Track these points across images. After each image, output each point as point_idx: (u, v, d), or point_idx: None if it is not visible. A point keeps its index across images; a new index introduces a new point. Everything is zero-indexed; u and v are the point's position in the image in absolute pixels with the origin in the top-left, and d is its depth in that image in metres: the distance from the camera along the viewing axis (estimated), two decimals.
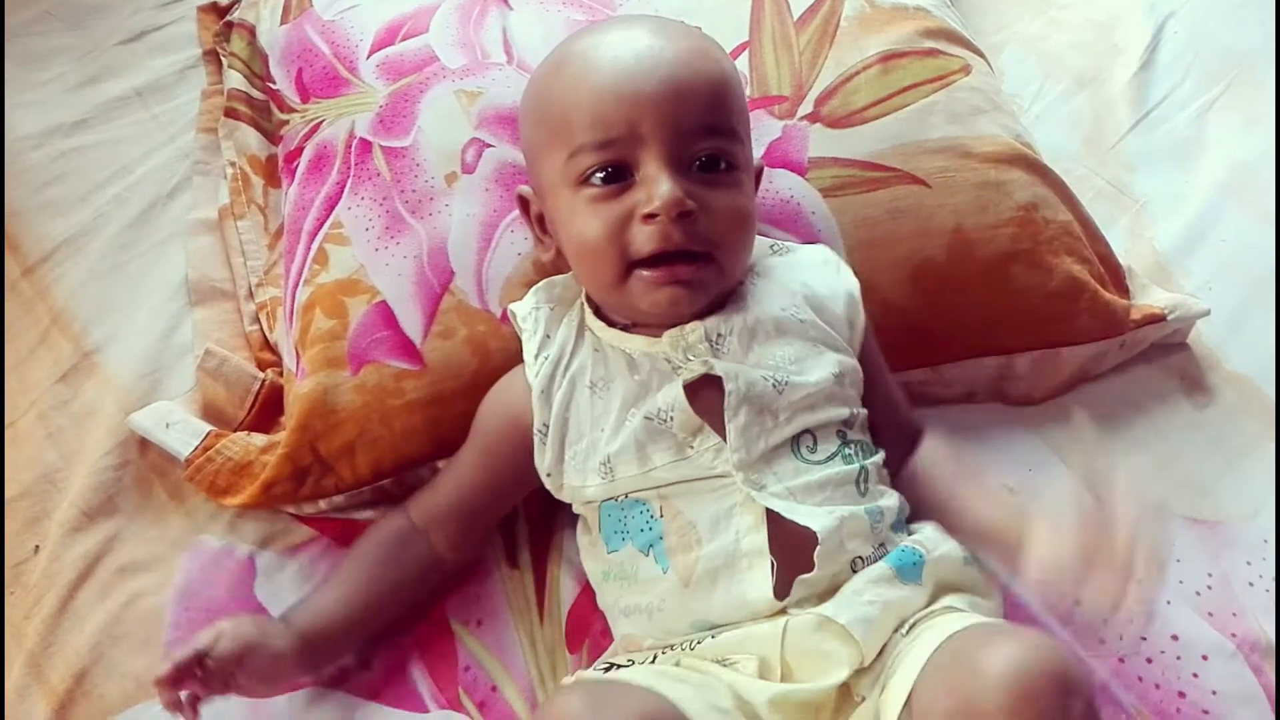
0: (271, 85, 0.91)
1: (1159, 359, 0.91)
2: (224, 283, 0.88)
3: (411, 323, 0.77)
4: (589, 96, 0.67)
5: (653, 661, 0.67)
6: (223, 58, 0.97)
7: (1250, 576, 0.83)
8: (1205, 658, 0.79)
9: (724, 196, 0.67)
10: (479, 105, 0.83)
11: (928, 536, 0.69)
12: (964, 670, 0.58)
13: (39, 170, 0.93)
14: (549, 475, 0.71)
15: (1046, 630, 0.72)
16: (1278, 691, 0.74)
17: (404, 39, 0.87)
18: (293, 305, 0.80)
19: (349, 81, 0.86)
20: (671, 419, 0.67)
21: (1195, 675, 0.79)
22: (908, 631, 0.64)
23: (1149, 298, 0.90)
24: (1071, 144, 1.02)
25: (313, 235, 0.81)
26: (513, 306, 0.75)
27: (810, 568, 0.65)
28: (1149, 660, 0.79)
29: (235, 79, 0.94)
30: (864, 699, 0.63)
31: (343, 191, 0.81)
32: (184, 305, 0.87)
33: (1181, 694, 0.78)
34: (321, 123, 0.85)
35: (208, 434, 0.79)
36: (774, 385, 0.68)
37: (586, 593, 0.77)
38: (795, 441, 0.69)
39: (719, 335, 0.69)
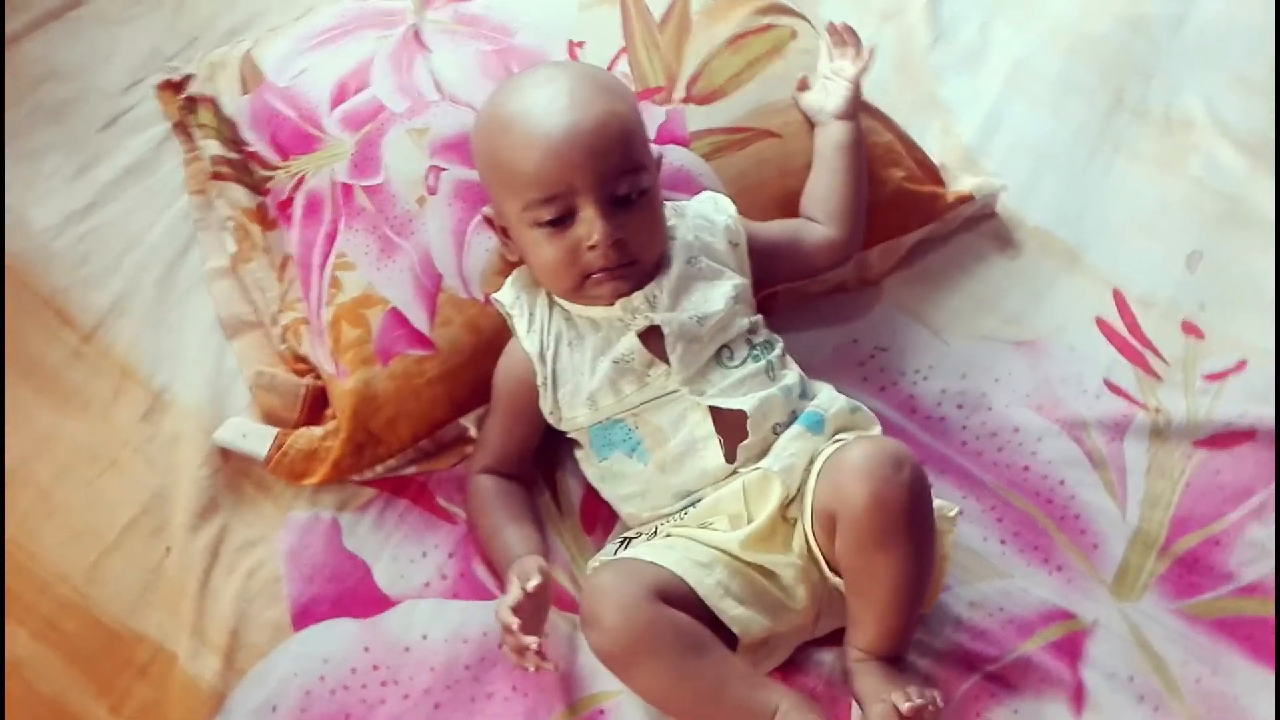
0: (247, 148, 1.10)
1: (975, 228, 1.19)
2: (249, 315, 1.08)
3: (419, 319, 1.00)
4: (533, 162, 0.90)
5: (654, 534, 0.93)
6: (192, 130, 1.15)
7: (1063, 375, 1.12)
8: (1040, 439, 1.08)
9: (640, 218, 0.92)
10: (428, 139, 1.04)
11: (823, 399, 0.97)
12: (834, 468, 0.88)
13: (68, 254, 1.10)
14: (551, 413, 0.97)
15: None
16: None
17: (354, 94, 1.07)
18: (320, 324, 1.02)
19: (319, 138, 1.06)
20: (633, 358, 0.93)
21: (1034, 453, 1.08)
22: (812, 463, 0.92)
23: (959, 185, 1.17)
24: (886, 70, 1.27)
25: (322, 267, 1.03)
26: (496, 296, 0.99)
27: (745, 436, 0.92)
28: (1000, 449, 1.08)
29: (213, 147, 1.12)
30: (796, 519, 0.92)
31: (338, 228, 1.03)
32: (222, 339, 1.07)
33: (1026, 467, 1.08)
34: (305, 175, 1.06)
35: (277, 434, 1.01)
36: (697, 320, 0.94)
37: (588, 491, 1.02)
38: (718, 355, 0.95)
39: (654, 296, 0.94)
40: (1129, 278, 1.18)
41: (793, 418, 0.95)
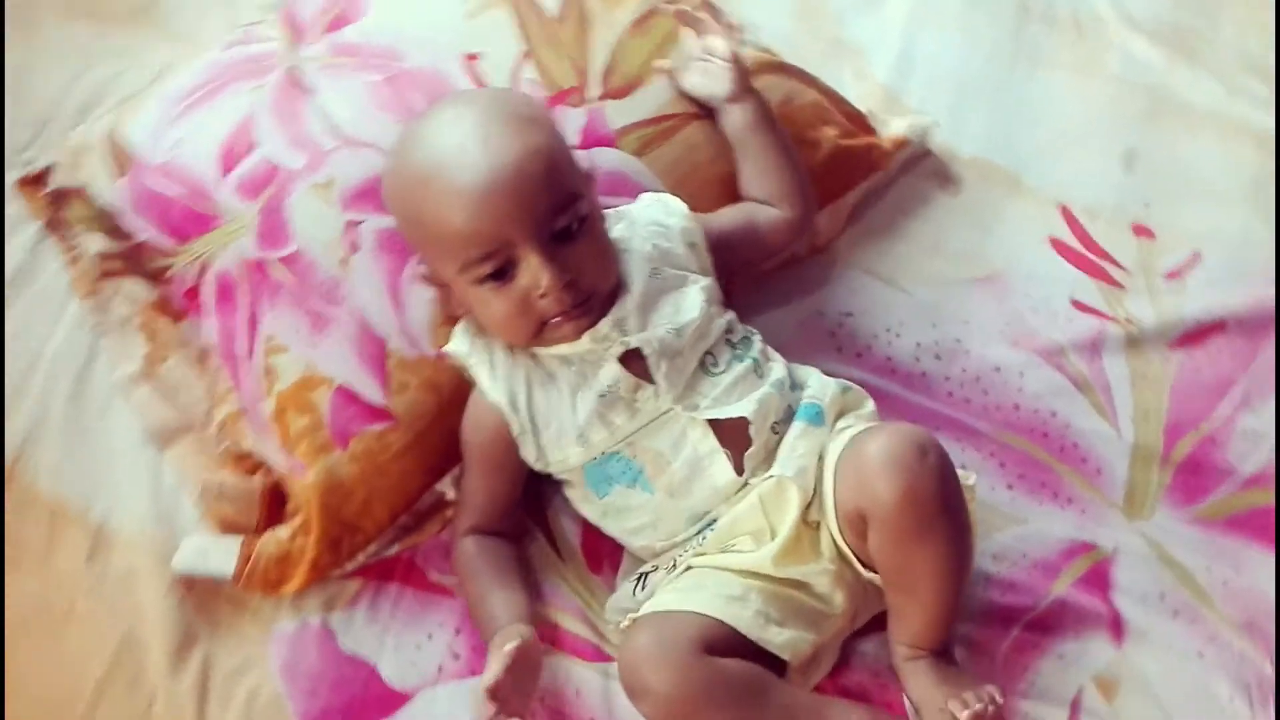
0: (135, 240, 0.99)
1: (913, 171, 1.15)
2: (178, 420, 0.98)
3: (371, 391, 0.92)
4: (459, 222, 0.82)
5: (672, 566, 0.88)
6: (68, 227, 1.02)
7: (1032, 305, 1.10)
8: (1022, 374, 1.07)
9: (585, 248, 0.85)
10: (337, 192, 0.95)
11: (815, 387, 0.93)
12: (854, 464, 0.84)
13: None
14: (537, 460, 0.90)
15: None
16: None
17: (243, 157, 0.97)
18: (262, 418, 0.93)
19: (215, 214, 0.96)
20: (618, 387, 0.87)
21: (1020, 389, 1.06)
22: (823, 459, 0.88)
23: (891, 129, 1.13)
24: (788, 22, 1.22)
25: (251, 356, 0.93)
26: (449, 349, 0.92)
27: (749, 444, 0.87)
28: (986, 392, 1.06)
29: (96, 242, 0.99)
30: (818, 522, 0.87)
31: (260, 310, 0.93)
32: (154, 452, 0.97)
33: (1016, 405, 1.06)
34: (209, 257, 0.95)
35: (241, 545, 0.92)
36: (674, 333, 0.89)
37: (586, 529, 0.96)
38: (702, 364, 0.90)
39: (621, 319, 0.88)
40: (1071, 191, 1.16)
41: (788, 413, 0.90)
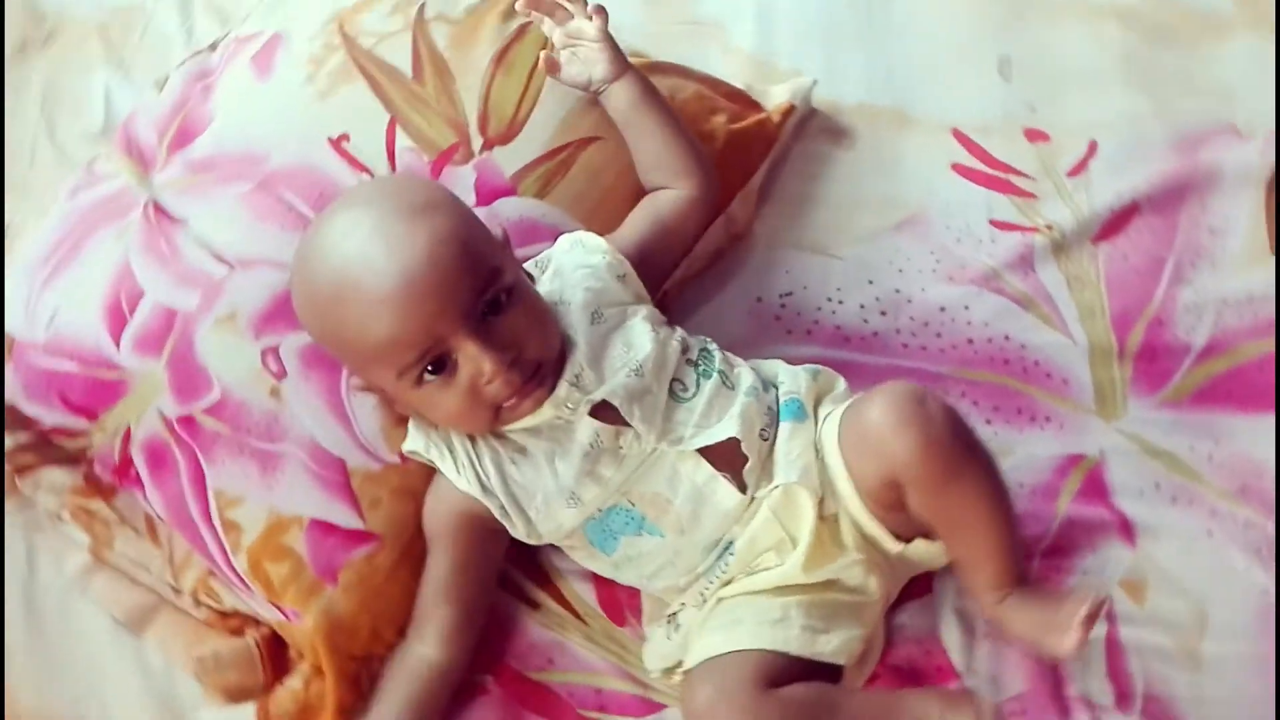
0: (41, 426, 0.91)
1: (804, 134, 1.14)
2: (147, 599, 0.92)
3: (345, 517, 0.87)
4: (383, 331, 0.78)
5: (701, 601, 0.87)
6: None
7: (955, 236, 1.10)
8: (967, 307, 1.07)
9: (520, 319, 0.81)
10: (244, 322, 0.89)
11: (787, 381, 0.91)
12: (860, 440, 0.82)
13: None
14: (529, 535, 0.87)
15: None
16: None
17: (132, 311, 0.90)
18: (237, 576, 0.87)
19: (122, 380, 0.89)
20: (600, 440, 0.84)
21: (969, 322, 1.07)
22: (819, 449, 0.87)
23: (774, 99, 1.11)
24: (639, 11, 1.18)
25: (208, 518, 0.87)
26: (408, 449, 0.87)
27: (744, 460, 0.86)
28: (938, 334, 1.06)
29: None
30: (834, 514, 0.86)
31: (201, 469, 0.87)
32: (132, 639, 0.91)
33: (970, 340, 1.06)
34: (129, 427, 0.89)
35: (256, 710, 0.87)
36: (635, 373, 0.86)
37: (599, 584, 0.94)
38: (672, 393, 0.87)
39: (577, 377, 0.85)
40: (958, 113, 1.16)
41: (771, 416, 0.88)
